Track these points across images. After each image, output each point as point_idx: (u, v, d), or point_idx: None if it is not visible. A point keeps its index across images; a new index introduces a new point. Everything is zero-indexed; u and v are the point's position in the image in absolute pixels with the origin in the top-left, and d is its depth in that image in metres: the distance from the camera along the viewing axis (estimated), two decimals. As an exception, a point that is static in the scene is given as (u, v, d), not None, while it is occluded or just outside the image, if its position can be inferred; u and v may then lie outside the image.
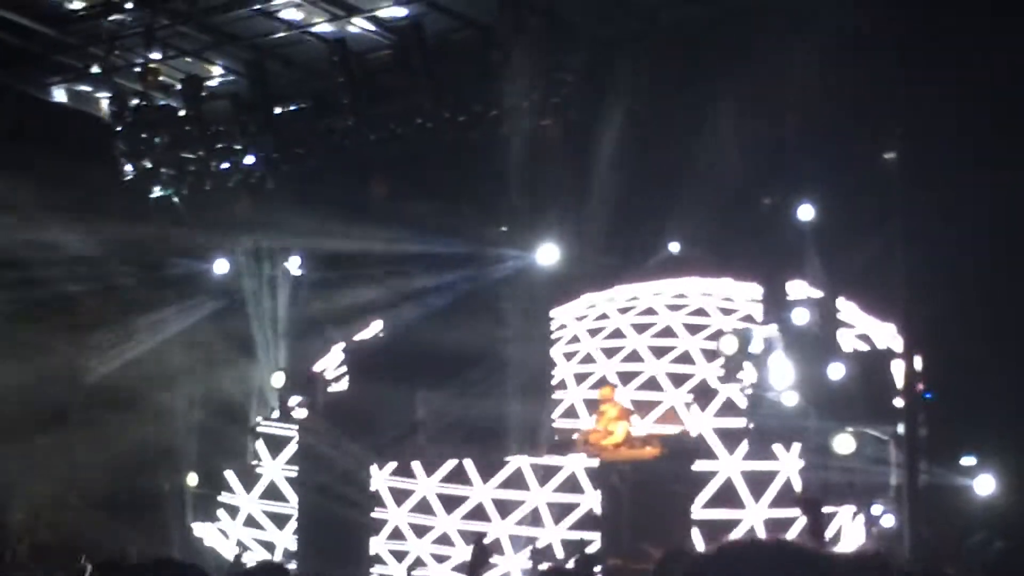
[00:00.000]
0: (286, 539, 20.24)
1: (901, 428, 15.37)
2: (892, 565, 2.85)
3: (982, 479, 14.93)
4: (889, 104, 15.58)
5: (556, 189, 17.11)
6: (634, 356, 19.03)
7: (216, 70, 18.19)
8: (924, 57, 14.71)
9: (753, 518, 17.09)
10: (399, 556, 19.50)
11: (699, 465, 17.46)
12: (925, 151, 15.49)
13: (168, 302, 20.96)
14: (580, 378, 19.34)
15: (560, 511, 18.58)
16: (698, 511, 17.24)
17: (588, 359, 19.44)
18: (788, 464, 17.00)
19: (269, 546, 20.36)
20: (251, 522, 20.69)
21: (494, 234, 18.65)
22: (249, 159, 18.14)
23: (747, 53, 15.49)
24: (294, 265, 20.92)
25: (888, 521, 15.25)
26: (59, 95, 18.96)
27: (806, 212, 16.79)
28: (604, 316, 19.75)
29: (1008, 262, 14.86)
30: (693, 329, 18.90)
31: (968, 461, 15.18)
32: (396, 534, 19.60)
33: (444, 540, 19.24)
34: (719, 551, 2.87)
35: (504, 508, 18.93)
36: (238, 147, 18.13)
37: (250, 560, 18.70)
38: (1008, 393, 14.43)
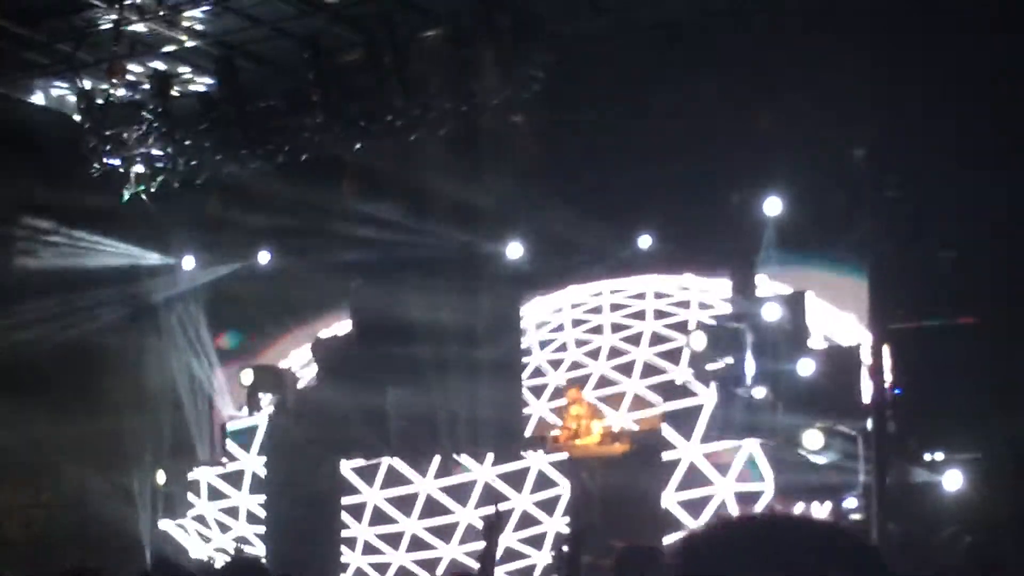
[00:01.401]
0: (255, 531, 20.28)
1: (870, 424, 15.45)
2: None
3: (950, 475, 15.00)
4: (860, 100, 15.62)
5: (526, 186, 17.13)
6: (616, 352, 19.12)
7: (185, 67, 18.13)
8: (896, 53, 14.75)
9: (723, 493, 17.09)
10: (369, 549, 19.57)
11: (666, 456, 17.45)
12: (895, 147, 15.56)
13: (136, 296, 20.92)
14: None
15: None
16: (668, 500, 17.28)
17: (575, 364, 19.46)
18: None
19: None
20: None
21: (463, 229, 18.65)
22: (218, 156, 18.08)
23: (718, 50, 15.55)
24: (263, 259, 20.85)
25: (857, 517, 15.32)
26: (27, 92, 18.85)
27: (772, 206, 16.81)
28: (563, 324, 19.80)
29: (977, 258, 14.96)
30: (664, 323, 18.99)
31: (936, 457, 15.27)
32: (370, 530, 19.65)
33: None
34: (715, 526, 2.71)
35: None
36: (207, 144, 18.08)
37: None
38: (976, 389, 14.52)
